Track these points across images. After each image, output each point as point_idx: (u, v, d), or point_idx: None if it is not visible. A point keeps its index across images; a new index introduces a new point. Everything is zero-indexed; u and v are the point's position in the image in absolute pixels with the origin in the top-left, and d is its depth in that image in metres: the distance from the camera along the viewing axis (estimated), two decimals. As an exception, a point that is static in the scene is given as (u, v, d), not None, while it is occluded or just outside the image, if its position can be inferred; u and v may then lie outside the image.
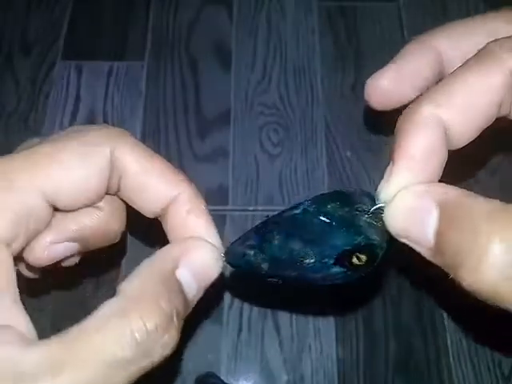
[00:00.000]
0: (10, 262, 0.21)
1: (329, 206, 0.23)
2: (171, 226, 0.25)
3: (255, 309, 0.52)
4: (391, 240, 0.24)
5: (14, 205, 0.20)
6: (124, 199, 0.26)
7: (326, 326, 0.52)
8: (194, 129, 0.62)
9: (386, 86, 0.28)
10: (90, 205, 0.24)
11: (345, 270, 0.23)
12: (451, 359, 0.51)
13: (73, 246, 0.24)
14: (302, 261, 0.23)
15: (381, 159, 0.60)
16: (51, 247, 0.23)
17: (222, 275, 0.27)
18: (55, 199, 0.22)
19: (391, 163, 0.24)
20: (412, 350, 0.51)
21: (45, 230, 0.23)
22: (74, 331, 0.19)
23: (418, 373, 0.50)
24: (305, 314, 0.52)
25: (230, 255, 0.25)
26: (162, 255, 0.23)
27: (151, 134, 0.61)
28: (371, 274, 0.25)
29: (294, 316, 0.52)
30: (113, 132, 0.25)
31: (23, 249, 0.22)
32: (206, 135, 0.61)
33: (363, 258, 0.23)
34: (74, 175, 0.22)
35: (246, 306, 0.52)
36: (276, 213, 0.25)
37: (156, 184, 0.25)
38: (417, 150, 0.22)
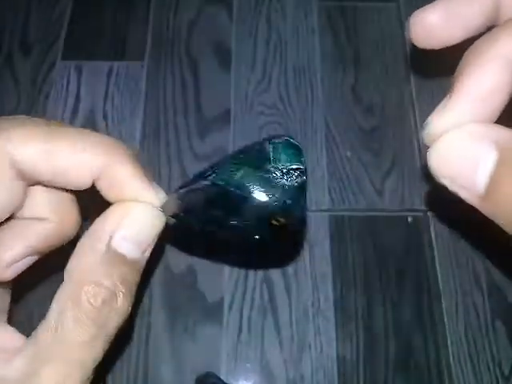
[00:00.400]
0: None
1: (238, 175, 0.24)
2: (105, 192, 0.24)
3: (255, 308, 0.52)
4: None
5: None
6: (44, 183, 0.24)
7: (326, 325, 0.52)
8: (194, 128, 0.62)
9: (434, 22, 0.26)
10: (17, 208, 0.24)
11: (267, 230, 0.24)
12: (451, 359, 0.51)
13: (31, 259, 0.25)
14: (227, 224, 0.24)
15: (381, 159, 0.60)
16: (10, 267, 0.24)
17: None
18: None
19: (448, 96, 0.22)
20: (412, 350, 0.51)
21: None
22: (39, 332, 0.21)
23: (418, 372, 0.50)
24: (305, 314, 0.52)
25: (165, 212, 0.25)
26: (97, 228, 0.23)
27: (151, 133, 0.61)
28: (297, 231, 0.26)
29: (293, 316, 0.52)
30: (5, 133, 0.22)
31: None
32: (206, 135, 0.61)
33: (282, 220, 0.24)
34: None
35: (246, 305, 0.52)
36: (191, 178, 0.26)
37: (69, 162, 0.23)
38: (483, 87, 0.20)
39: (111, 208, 0.24)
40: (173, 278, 0.53)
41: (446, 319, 0.52)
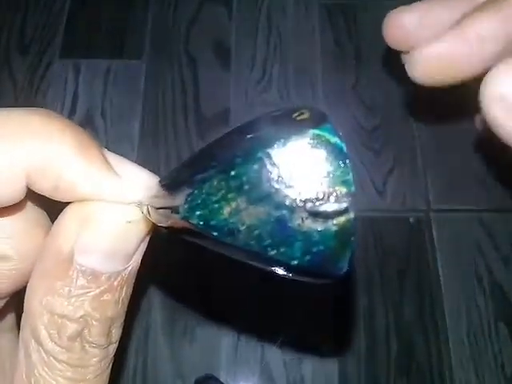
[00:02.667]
0: None
1: (226, 210, 0.14)
2: (53, 196, 0.16)
3: (255, 310, 0.52)
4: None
5: None
6: None
7: (327, 326, 0.52)
8: (193, 128, 0.61)
9: (408, 24, 0.24)
10: None
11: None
12: (453, 360, 0.50)
13: None
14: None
15: (382, 159, 0.60)
16: None
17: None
18: None
19: None
20: (413, 351, 0.51)
21: None
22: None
23: (420, 373, 0.50)
24: (305, 316, 0.52)
25: (153, 207, 0.16)
26: (51, 243, 0.17)
27: (150, 133, 0.61)
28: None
29: (294, 318, 0.52)
30: None
31: None
32: (205, 134, 0.61)
33: (306, 280, 0.15)
34: None
35: (246, 307, 0.52)
36: (169, 181, 0.17)
37: None
38: None
39: (66, 211, 0.17)
40: (171, 279, 0.53)
41: (447, 320, 0.52)
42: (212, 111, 0.62)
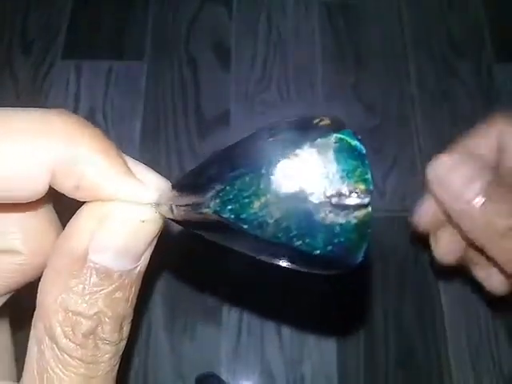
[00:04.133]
0: None
1: (256, 204, 0.15)
2: (72, 194, 0.17)
3: (255, 310, 0.52)
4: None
5: None
6: None
7: (326, 326, 0.52)
8: (193, 128, 0.61)
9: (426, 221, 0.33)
10: None
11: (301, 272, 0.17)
12: (452, 360, 0.50)
13: (3, 298, 0.20)
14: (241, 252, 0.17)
15: (382, 158, 0.60)
16: None
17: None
18: None
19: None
20: (412, 351, 0.51)
21: None
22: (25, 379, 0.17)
23: (419, 373, 0.50)
24: (305, 315, 0.52)
25: (163, 210, 0.17)
26: (67, 238, 0.17)
27: (151, 133, 0.61)
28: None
29: (294, 317, 0.52)
30: None
31: None
32: (205, 135, 0.61)
33: (325, 272, 0.16)
34: None
35: (247, 307, 0.52)
36: (189, 180, 0.18)
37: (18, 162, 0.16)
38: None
39: (83, 211, 0.17)
40: (172, 277, 0.53)
41: (446, 320, 0.52)
42: (212, 111, 0.62)
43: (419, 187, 0.58)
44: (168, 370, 0.50)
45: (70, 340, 0.16)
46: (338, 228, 0.15)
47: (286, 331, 0.51)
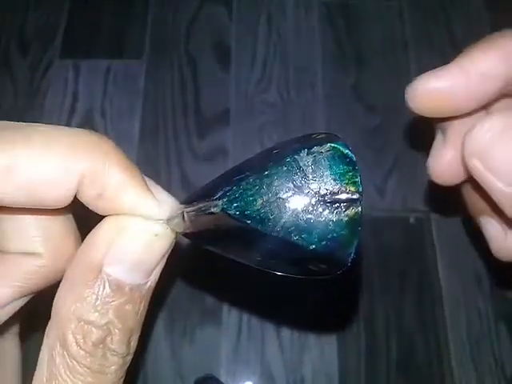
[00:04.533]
0: None
1: (259, 202, 0.17)
2: (93, 206, 0.19)
3: (255, 311, 0.52)
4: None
5: None
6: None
7: (327, 327, 0.51)
8: (193, 128, 0.61)
9: (442, 89, 0.22)
10: None
11: (298, 274, 0.19)
12: (453, 361, 0.50)
13: (22, 300, 0.21)
14: (246, 257, 0.19)
15: (383, 158, 0.60)
16: None
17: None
18: None
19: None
20: (413, 351, 0.51)
21: None
22: None
23: (420, 374, 0.50)
24: (305, 316, 0.52)
25: (174, 227, 0.19)
26: (85, 251, 0.18)
27: (150, 133, 0.61)
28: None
29: (294, 318, 0.52)
30: None
31: None
32: (205, 134, 0.61)
33: (321, 266, 0.18)
34: None
35: (246, 307, 0.52)
36: (200, 190, 0.19)
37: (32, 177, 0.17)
38: (478, 69, 0.21)
39: (102, 224, 0.19)
40: (172, 279, 0.53)
41: (447, 320, 0.52)
42: (212, 111, 0.62)
43: (420, 187, 0.58)
44: (167, 372, 0.49)
45: (80, 347, 0.17)
46: (331, 224, 0.17)
47: (286, 332, 0.51)
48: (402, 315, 0.52)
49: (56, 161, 0.17)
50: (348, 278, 0.54)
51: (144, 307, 0.19)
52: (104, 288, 0.18)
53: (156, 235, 0.19)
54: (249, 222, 0.17)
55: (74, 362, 0.17)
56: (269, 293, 0.53)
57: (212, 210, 0.18)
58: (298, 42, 0.67)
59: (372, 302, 0.53)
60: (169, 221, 0.19)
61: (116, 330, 0.18)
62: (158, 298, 0.52)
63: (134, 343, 0.19)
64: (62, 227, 0.20)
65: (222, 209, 0.17)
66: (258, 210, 0.17)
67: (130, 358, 0.19)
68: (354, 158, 0.17)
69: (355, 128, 0.61)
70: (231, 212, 0.17)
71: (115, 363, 0.18)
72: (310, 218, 0.16)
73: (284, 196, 0.17)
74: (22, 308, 0.21)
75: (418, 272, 0.54)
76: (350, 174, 0.17)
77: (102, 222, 0.19)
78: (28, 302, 0.21)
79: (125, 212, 0.19)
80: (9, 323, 0.21)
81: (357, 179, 0.17)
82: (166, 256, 0.20)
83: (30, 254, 0.20)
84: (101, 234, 0.18)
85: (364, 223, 0.57)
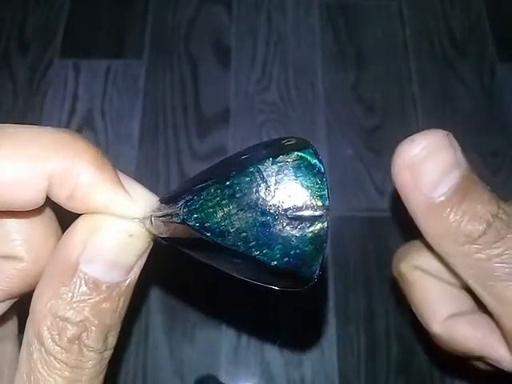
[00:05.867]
0: None
1: (219, 214, 0.16)
2: (66, 205, 0.19)
3: (255, 311, 0.52)
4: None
5: None
6: None
7: (327, 327, 0.51)
8: (193, 128, 0.61)
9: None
10: None
11: (265, 285, 0.19)
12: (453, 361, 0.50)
13: (6, 304, 0.21)
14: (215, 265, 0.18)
15: (383, 158, 0.60)
16: None
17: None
18: None
19: None
20: (414, 352, 0.50)
21: None
22: None
23: (420, 374, 0.50)
24: (305, 317, 0.52)
25: (152, 227, 0.18)
26: (61, 249, 0.18)
27: (150, 133, 0.61)
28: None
29: (294, 318, 0.52)
30: None
31: None
32: (205, 134, 0.61)
33: (283, 283, 0.17)
34: None
35: (246, 308, 0.52)
36: (173, 190, 0.19)
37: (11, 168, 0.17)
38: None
39: (77, 223, 0.18)
40: (171, 280, 0.53)
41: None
42: (212, 111, 0.62)
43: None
44: (167, 372, 0.49)
45: (56, 343, 0.17)
46: (294, 240, 0.16)
47: (286, 332, 0.51)
48: (402, 315, 0.52)
49: (23, 162, 0.17)
50: (348, 278, 0.54)
51: (123, 305, 0.19)
52: (80, 286, 0.18)
53: (131, 235, 0.18)
54: (208, 234, 0.16)
55: (51, 358, 0.17)
56: (268, 293, 0.53)
57: (173, 219, 0.17)
58: (298, 41, 0.67)
59: (372, 301, 0.53)
60: (145, 220, 0.18)
61: (92, 327, 0.18)
62: (158, 298, 0.52)
63: (112, 339, 0.19)
64: (42, 229, 0.20)
65: (183, 219, 0.17)
66: (218, 222, 0.16)
67: (108, 353, 0.19)
68: (323, 169, 0.16)
69: (355, 128, 0.61)
70: (191, 223, 0.16)
71: (92, 358, 0.18)
72: (272, 233, 0.16)
73: (245, 209, 0.16)
74: (9, 310, 0.21)
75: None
76: (317, 186, 0.16)
77: (77, 220, 0.19)
78: (19, 304, 0.21)
79: (99, 211, 0.18)
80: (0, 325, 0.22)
81: (323, 192, 0.16)
82: (146, 254, 0.19)
83: (12, 258, 0.20)
84: (76, 232, 0.18)
85: (364, 223, 0.57)
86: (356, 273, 0.54)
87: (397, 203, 0.53)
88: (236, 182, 0.16)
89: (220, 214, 0.16)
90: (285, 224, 0.16)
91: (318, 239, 0.16)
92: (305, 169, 0.16)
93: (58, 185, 0.18)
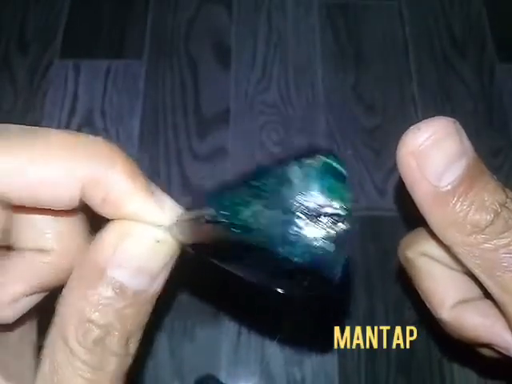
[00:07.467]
0: None
1: (245, 213, 0.17)
2: (99, 209, 0.20)
3: (255, 311, 0.52)
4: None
5: None
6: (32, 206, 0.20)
7: (327, 327, 0.51)
8: (193, 128, 0.61)
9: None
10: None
11: (285, 288, 0.19)
12: (454, 361, 0.50)
13: (36, 297, 0.21)
14: (239, 267, 0.19)
15: (383, 158, 0.60)
16: (11, 307, 0.21)
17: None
18: None
19: None
20: (413, 351, 0.50)
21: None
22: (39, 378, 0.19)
23: (420, 375, 0.50)
24: (305, 316, 0.52)
25: (179, 236, 0.20)
26: (90, 253, 0.19)
27: (150, 133, 0.61)
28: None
29: (294, 318, 0.52)
30: None
31: None
32: (205, 135, 0.61)
33: (306, 284, 0.18)
34: None
35: (246, 308, 0.52)
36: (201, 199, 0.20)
37: (46, 177, 0.19)
38: None
39: (107, 228, 0.19)
40: (171, 279, 0.53)
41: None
42: (212, 111, 0.62)
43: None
44: (167, 372, 0.49)
45: (80, 344, 0.18)
46: (315, 239, 0.16)
47: (286, 332, 0.51)
48: (402, 315, 0.52)
49: (59, 164, 0.18)
50: (348, 277, 0.54)
51: (146, 312, 0.20)
52: (107, 290, 0.18)
53: (158, 241, 0.19)
54: (233, 229, 0.17)
55: (75, 358, 0.18)
56: (269, 292, 0.52)
57: (200, 220, 0.18)
58: (298, 41, 0.67)
59: (372, 301, 0.53)
60: (170, 228, 0.19)
61: (115, 332, 0.18)
62: (158, 298, 0.52)
63: (133, 345, 0.19)
64: (73, 228, 0.21)
65: (213, 216, 0.18)
66: (245, 220, 0.17)
67: (129, 359, 0.19)
68: (346, 174, 0.17)
69: (355, 128, 0.61)
70: (220, 219, 0.17)
71: (113, 362, 0.19)
72: (295, 232, 0.16)
73: (271, 207, 0.17)
74: (33, 309, 0.21)
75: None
76: (340, 188, 0.16)
77: (107, 225, 0.19)
78: (45, 299, 0.21)
79: (129, 217, 0.19)
80: (25, 320, 0.22)
81: (346, 195, 0.16)
82: (172, 263, 0.20)
83: (41, 251, 0.21)
84: (106, 237, 0.19)
85: (364, 223, 0.57)
86: (356, 272, 0.54)
87: (399, 200, 0.53)
88: (263, 181, 0.17)
89: (247, 212, 0.17)
90: (307, 223, 0.16)
91: (339, 240, 0.16)
92: (328, 172, 0.17)
93: (92, 188, 0.19)
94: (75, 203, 0.19)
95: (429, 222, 0.20)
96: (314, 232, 0.16)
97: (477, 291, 0.24)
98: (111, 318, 0.18)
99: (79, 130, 0.60)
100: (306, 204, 0.16)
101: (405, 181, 0.20)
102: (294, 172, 0.17)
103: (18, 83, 0.63)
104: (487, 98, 0.63)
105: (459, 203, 0.19)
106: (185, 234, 0.19)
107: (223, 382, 0.48)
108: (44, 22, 0.67)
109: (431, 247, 0.24)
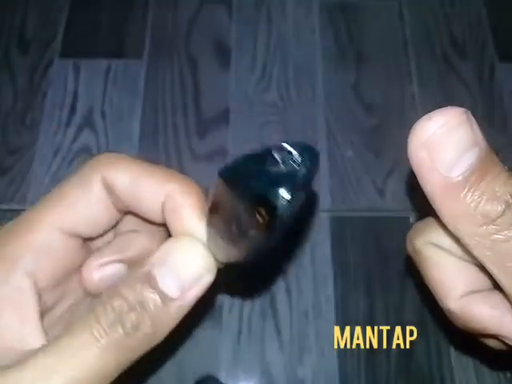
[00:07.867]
0: (30, 288, 0.22)
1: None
2: (167, 220, 0.24)
3: (255, 311, 0.52)
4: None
5: (32, 242, 0.23)
6: (137, 214, 0.26)
7: (327, 327, 0.51)
8: (193, 128, 0.61)
9: None
10: (112, 227, 0.26)
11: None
12: (453, 361, 0.50)
13: (119, 267, 0.25)
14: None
15: (382, 159, 0.60)
16: (99, 269, 0.25)
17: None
18: (75, 230, 0.24)
19: None
20: (413, 351, 0.50)
21: (91, 256, 0.25)
22: (62, 339, 0.20)
23: (420, 375, 0.50)
24: (305, 316, 0.52)
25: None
26: (147, 261, 0.22)
27: (150, 133, 0.61)
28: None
29: (294, 318, 0.52)
30: (103, 158, 0.25)
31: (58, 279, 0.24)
32: (205, 134, 0.61)
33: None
34: (80, 205, 0.24)
35: (246, 308, 0.52)
36: None
37: (146, 189, 0.24)
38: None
39: (167, 241, 0.23)
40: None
41: (448, 321, 0.52)
42: (212, 111, 0.62)
43: (420, 187, 0.58)
44: (167, 372, 0.49)
45: (118, 323, 0.21)
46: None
47: (286, 332, 0.51)
48: (402, 315, 0.52)
49: (151, 184, 0.23)
50: (348, 278, 0.54)
51: (172, 322, 0.23)
52: (147, 288, 0.21)
53: (200, 256, 0.23)
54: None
55: (102, 332, 0.21)
56: (269, 293, 0.53)
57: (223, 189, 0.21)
58: (298, 42, 0.67)
59: (372, 301, 0.53)
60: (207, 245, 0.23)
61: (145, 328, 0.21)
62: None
63: (154, 341, 0.23)
64: (156, 232, 0.26)
65: (219, 174, 0.22)
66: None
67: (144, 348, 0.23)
68: (317, 151, 0.21)
69: (355, 128, 0.61)
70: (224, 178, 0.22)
71: (142, 348, 0.23)
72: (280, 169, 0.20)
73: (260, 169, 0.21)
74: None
75: (417, 272, 0.54)
76: (306, 151, 0.20)
77: (168, 239, 0.23)
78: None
79: (185, 230, 0.23)
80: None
81: (316, 159, 0.20)
82: (207, 282, 0.24)
83: (133, 232, 0.26)
84: (164, 247, 0.22)
85: (364, 223, 0.57)
86: (356, 273, 0.54)
87: (399, 200, 0.52)
88: (256, 154, 0.21)
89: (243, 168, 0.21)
90: (291, 159, 0.20)
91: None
92: (302, 146, 0.20)
93: (168, 201, 0.23)
94: (158, 217, 0.24)
95: (439, 213, 0.20)
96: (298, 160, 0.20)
97: (486, 282, 0.24)
98: (144, 316, 0.21)
99: (79, 129, 0.60)
100: (287, 155, 0.20)
101: (415, 171, 0.21)
102: (277, 150, 0.21)
103: (18, 83, 0.63)
104: (487, 98, 0.63)
105: (470, 194, 0.19)
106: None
107: (223, 382, 0.48)
108: (44, 22, 0.67)
109: (440, 237, 0.24)
